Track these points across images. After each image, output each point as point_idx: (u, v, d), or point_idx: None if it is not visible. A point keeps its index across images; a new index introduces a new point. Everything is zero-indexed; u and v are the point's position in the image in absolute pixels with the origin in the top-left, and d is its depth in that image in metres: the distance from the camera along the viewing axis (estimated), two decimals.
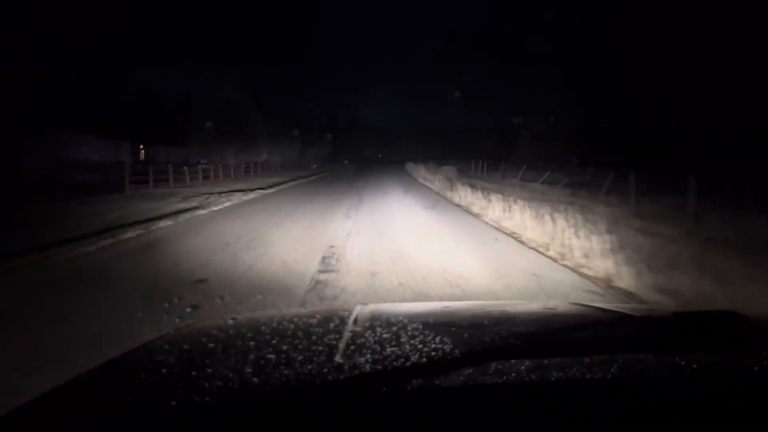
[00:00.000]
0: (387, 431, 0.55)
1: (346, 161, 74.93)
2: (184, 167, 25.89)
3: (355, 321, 1.00)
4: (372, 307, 1.22)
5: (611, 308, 1.25)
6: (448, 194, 19.05)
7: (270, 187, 22.97)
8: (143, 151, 38.92)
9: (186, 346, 0.84)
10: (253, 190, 20.82)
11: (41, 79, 30.52)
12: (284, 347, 0.81)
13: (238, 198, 16.97)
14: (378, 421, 0.57)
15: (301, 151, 47.60)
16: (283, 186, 24.53)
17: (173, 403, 0.59)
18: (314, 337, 0.87)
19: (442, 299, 4.61)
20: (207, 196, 16.78)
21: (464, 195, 16.63)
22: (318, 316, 1.07)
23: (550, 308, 1.27)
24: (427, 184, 27.16)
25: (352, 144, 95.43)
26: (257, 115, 36.34)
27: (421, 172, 35.13)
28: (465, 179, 26.14)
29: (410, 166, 46.28)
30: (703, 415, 0.59)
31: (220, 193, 18.32)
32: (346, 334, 0.89)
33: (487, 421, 0.57)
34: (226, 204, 14.95)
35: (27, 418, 0.64)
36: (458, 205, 15.30)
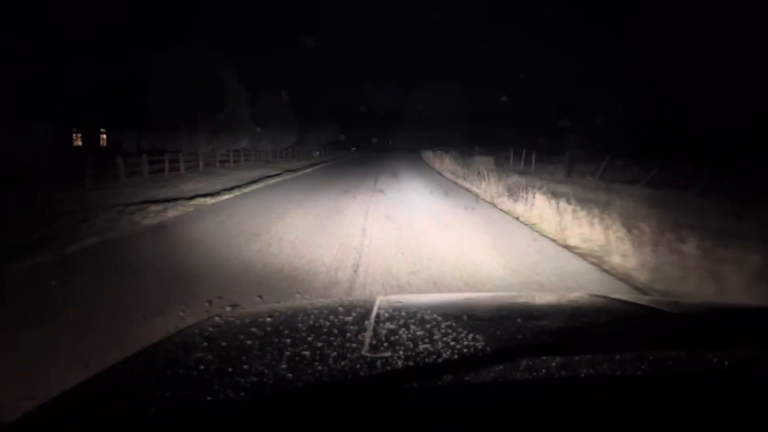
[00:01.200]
0: (418, 426, 0.56)
1: (353, 148, 66.89)
2: (141, 156, 18.44)
3: (378, 315, 0.99)
4: (394, 299, 1.24)
5: (631, 300, 1.28)
6: (508, 204, 11.48)
7: (232, 189, 15.30)
8: (105, 136, 31.66)
9: (223, 342, 0.82)
10: (211, 194, 13.32)
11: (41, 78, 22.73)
12: (311, 341, 0.80)
13: (154, 217, 9.39)
14: (409, 416, 0.57)
15: (300, 136, 39.85)
16: (257, 186, 17.14)
17: (209, 398, 0.61)
18: (339, 331, 0.86)
19: None
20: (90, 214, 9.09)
21: (545, 212, 9.29)
22: (341, 309, 1.06)
23: (572, 300, 1.27)
24: (460, 182, 19.48)
25: (360, 130, 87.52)
26: (236, 87, 28.57)
27: (445, 164, 27.51)
28: (516, 177, 18.32)
29: (427, 155, 39.42)
30: (735, 413, 0.58)
31: (140, 204, 10.79)
32: (370, 327, 0.88)
33: (517, 417, 0.57)
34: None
35: (63, 406, 0.65)
36: (545, 235, 8.08)
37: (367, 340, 0.81)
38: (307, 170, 27.71)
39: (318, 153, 44.38)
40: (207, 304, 4.15)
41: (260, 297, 4.19)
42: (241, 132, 29.13)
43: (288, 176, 22.34)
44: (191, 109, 25.23)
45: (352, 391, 0.64)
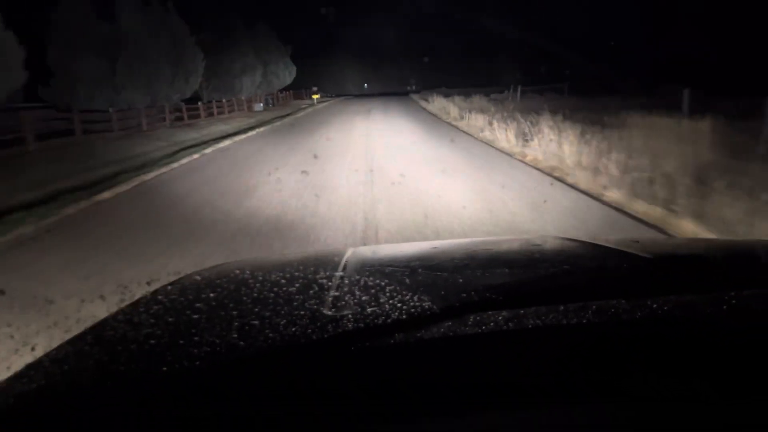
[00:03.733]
0: (371, 382, 0.59)
1: (316, 91, 51.49)
2: None
3: (345, 267, 1.03)
4: (363, 250, 1.29)
5: (596, 242, 1.28)
6: None
7: None
8: None
9: (170, 318, 0.84)
10: None
11: None
12: (265, 307, 0.83)
13: None
14: (362, 373, 0.61)
15: (220, 79, 27.17)
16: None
17: (164, 369, 0.63)
18: (295, 293, 0.89)
19: None
20: None
21: None
22: (308, 264, 1.11)
23: (537, 245, 1.30)
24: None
25: (327, 70, 74.54)
26: None
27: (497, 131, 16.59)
28: None
29: (416, 104, 29.74)
30: (671, 356, 0.62)
31: None
32: (333, 286, 0.91)
33: (467, 369, 0.61)
34: None
35: (13, 388, 0.65)
36: None
37: (327, 300, 0.82)
38: (218, 146, 16.62)
39: (262, 105, 32.32)
40: None
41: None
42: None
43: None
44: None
45: (306, 352, 0.66)
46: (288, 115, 25.55)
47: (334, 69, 76.79)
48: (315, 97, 36.93)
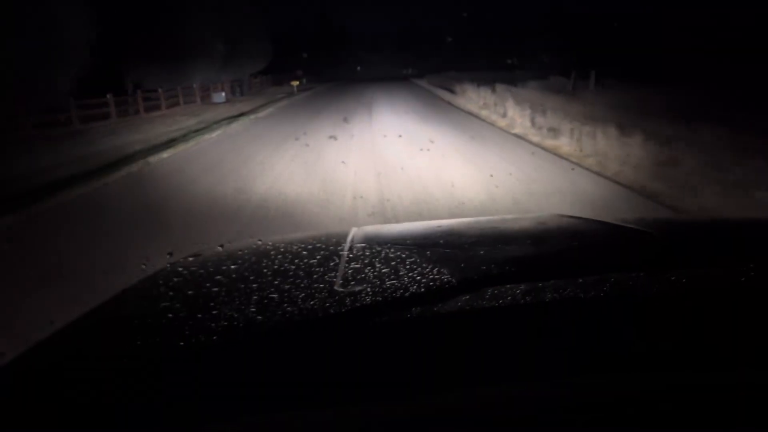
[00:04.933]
0: (390, 356, 0.59)
1: (300, 77, 42.96)
2: None
3: (351, 247, 1.00)
4: (368, 229, 1.26)
5: (600, 219, 1.28)
6: None
7: None
8: None
9: (189, 291, 0.85)
10: None
11: None
12: (283, 281, 0.83)
13: None
14: (381, 347, 0.61)
15: (156, 60, 19.57)
16: None
17: (181, 343, 0.63)
18: (312, 267, 0.90)
19: None
20: None
21: None
22: (314, 242, 1.08)
23: (541, 222, 1.31)
24: None
25: (317, 52, 66.28)
26: None
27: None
28: None
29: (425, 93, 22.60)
30: (688, 329, 0.62)
31: None
32: (343, 261, 0.90)
33: (485, 342, 0.61)
34: None
35: (33, 361, 0.66)
36: None
37: (339, 276, 0.82)
38: None
39: (224, 96, 24.27)
40: None
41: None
42: None
43: None
44: None
45: (323, 327, 0.66)
46: (247, 113, 17.70)
47: (324, 52, 68.50)
48: (294, 83, 28.87)
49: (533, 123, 10.23)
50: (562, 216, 1.33)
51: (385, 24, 76.47)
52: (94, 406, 0.54)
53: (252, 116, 16.17)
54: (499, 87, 15.36)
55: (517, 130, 10.39)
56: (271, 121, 14.79)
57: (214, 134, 12.24)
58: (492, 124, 11.84)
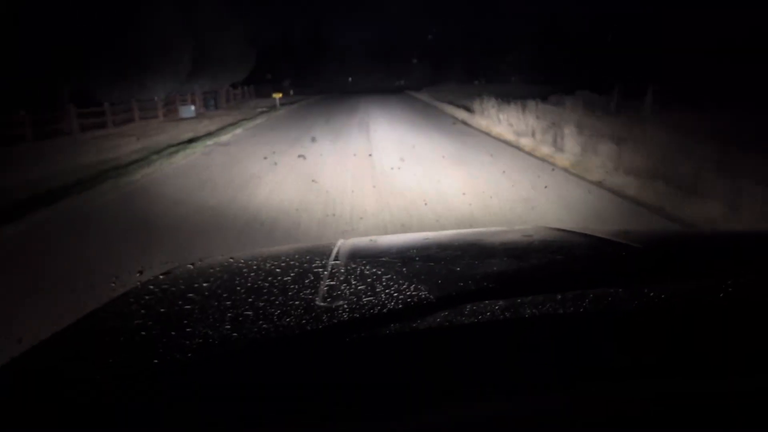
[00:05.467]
0: (367, 373, 0.58)
1: (287, 88, 39.34)
2: None
3: (336, 258, 1.02)
4: (353, 242, 1.26)
5: (586, 232, 1.28)
6: None
7: None
8: None
9: (162, 309, 0.84)
10: None
11: None
12: (263, 295, 0.83)
13: None
14: (358, 364, 0.60)
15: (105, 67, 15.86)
16: None
17: (155, 361, 0.63)
18: (290, 282, 0.89)
19: None
20: None
21: None
22: (295, 256, 1.10)
23: (526, 235, 1.30)
24: None
25: (308, 63, 62.86)
26: None
27: None
28: None
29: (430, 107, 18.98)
30: (670, 344, 0.62)
31: None
32: (327, 275, 0.90)
33: (464, 358, 0.61)
34: None
35: (7, 377, 0.66)
36: None
37: (317, 293, 0.82)
38: None
39: (192, 111, 20.48)
40: None
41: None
42: None
43: None
44: None
45: (299, 344, 0.65)
46: (212, 134, 13.92)
47: (313, 62, 65.17)
48: (277, 96, 25.06)
49: (620, 166, 6.69)
50: (549, 228, 1.38)
51: (376, 34, 73.61)
52: (68, 425, 0.54)
53: (211, 141, 12.53)
54: (529, 104, 11.95)
55: (599, 177, 6.79)
56: (235, 149, 11.15)
57: (147, 171, 8.49)
58: (552, 165, 8.01)
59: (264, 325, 0.69)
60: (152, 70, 18.29)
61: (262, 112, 21.13)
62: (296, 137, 11.96)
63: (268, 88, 38.25)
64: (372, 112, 19.17)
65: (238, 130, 14.80)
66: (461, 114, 16.36)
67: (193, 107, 20.99)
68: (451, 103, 19.96)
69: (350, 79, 76.13)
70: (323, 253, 1.07)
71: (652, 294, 0.72)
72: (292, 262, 1.01)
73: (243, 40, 27.10)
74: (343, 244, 1.16)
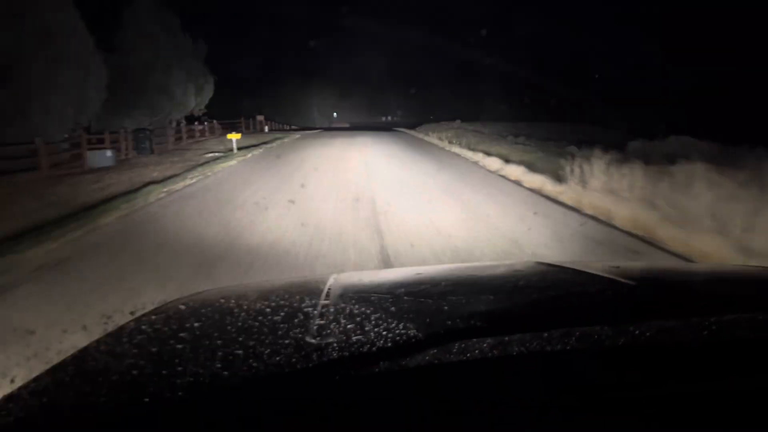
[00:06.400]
0: (356, 411, 0.59)
1: (258, 124, 31.23)
2: None
3: (328, 295, 1.04)
4: (346, 276, 1.28)
5: (578, 268, 1.29)
6: None
7: None
8: None
9: (153, 348, 0.85)
10: None
11: None
12: (250, 336, 0.84)
13: None
14: (347, 402, 0.61)
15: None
16: None
17: (146, 400, 0.63)
18: (279, 321, 0.90)
19: None
20: None
21: None
22: (291, 293, 1.12)
23: (517, 271, 1.32)
24: None
25: (289, 94, 57.00)
26: None
27: None
28: None
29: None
30: (654, 381, 0.64)
31: None
32: (317, 315, 0.91)
33: (452, 395, 0.62)
34: None
35: (1, 414, 0.65)
36: None
37: (311, 329, 0.83)
38: None
39: (110, 157, 13.61)
40: None
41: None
42: None
43: None
44: None
45: (290, 382, 0.66)
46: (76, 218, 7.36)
47: (297, 94, 59.40)
48: (233, 137, 17.35)
49: None
50: (539, 263, 1.38)
51: (366, 62, 68.57)
52: None
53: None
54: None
55: None
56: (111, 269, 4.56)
57: None
58: None
59: (254, 364, 0.70)
60: (37, 97, 11.77)
61: (207, 162, 14.37)
62: (219, 252, 5.26)
63: (239, 122, 31.94)
64: (376, 169, 12.43)
65: (132, 218, 7.71)
66: (548, 188, 9.10)
67: (110, 153, 14.35)
68: (507, 161, 12.44)
69: (335, 114, 70.58)
70: (315, 288, 1.10)
71: (637, 332, 0.73)
72: (282, 302, 1.02)
73: (196, 62, 20.67)
74: (336, 278, 1.18)
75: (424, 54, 65.52)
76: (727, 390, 0.60)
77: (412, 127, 37.40)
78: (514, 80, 47.72)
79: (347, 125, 65.32)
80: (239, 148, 17.34)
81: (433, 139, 23.83)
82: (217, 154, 16.29)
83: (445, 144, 20.52)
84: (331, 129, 42.74)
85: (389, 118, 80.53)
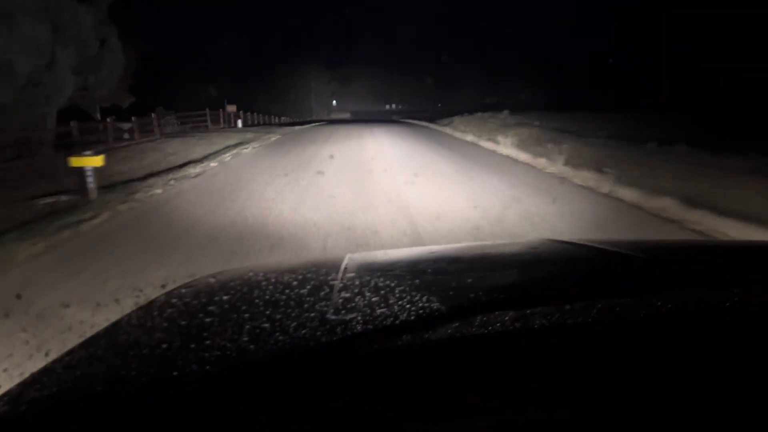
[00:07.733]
0: (380, 385, 0.59)
1: (228, 117, 26.00)
2: None
3: (344, 275, 1.03)
4: (362, 256, 1.28)
5: (591, 243, 1.28)
6: None
7: None
8: None
9: (183, 322, 0.85)
10: None
11: None
12: (276, 310, 0.84)
13: None
14: (371, 376, 0.61)
15: None
16: None
17: (175, 374, 0.64)
18: (302, 296, 0.90)
19: None
20: None
21: None
22: (307, 270, 1.10)
23: (532, 248, 1.32)
24: None
25: (288, 81, 49.27)
26: None
27: None
28: None
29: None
30: (677, 354, 0.62)
31: None
32: (335, 291, 0.91)
33: (475, 370, 0.61)
34: None
35: (29, 392, 0.65)
36: None
37: (332, 304, 0.83)
38: None
39: None
40: None
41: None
42: None
43: None
44: None
45: (315, 356, 0.66)
46: None
47: (296, 80, 51.62)
48: (85, 162, 6.37)
49: None
50: (553, 241, 1.39)
51: (368, 48, 61.35)
52: None
53: None
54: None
55: None
56: None
57: None
58: None
59: (280, 337, 0.71)
60: None
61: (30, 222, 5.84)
62: None
63: (213, 113, 24.40)
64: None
65: None
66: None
67: None
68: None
69: (334, 102, 62.74)
70: (334, 266, 1.09)
71: (659, 303, 0.72)
72: (308, 275, 1.02)
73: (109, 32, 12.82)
74: (352, 257, 1.18)
75: (445, 31, 57.88)
76: (746, 373, 0.57)
77: (431, 120, 29.66)
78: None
79: (348, 115, 57.59)
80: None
81: (466, 135, 15.66)
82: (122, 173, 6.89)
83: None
84: (332, 122, 34.44)
85: (392, 106, 73.23)
